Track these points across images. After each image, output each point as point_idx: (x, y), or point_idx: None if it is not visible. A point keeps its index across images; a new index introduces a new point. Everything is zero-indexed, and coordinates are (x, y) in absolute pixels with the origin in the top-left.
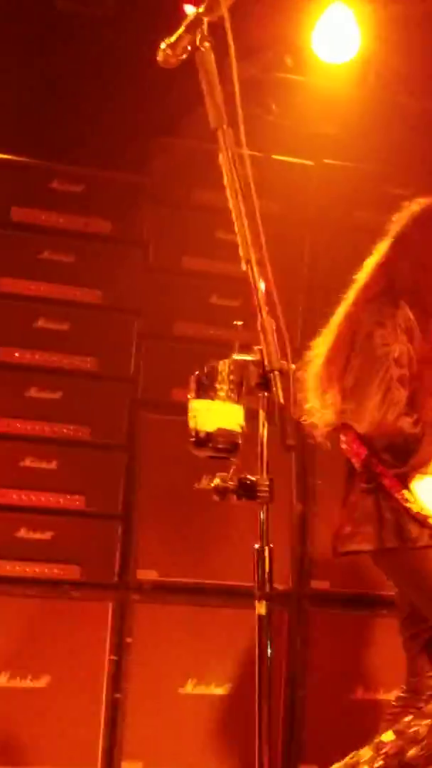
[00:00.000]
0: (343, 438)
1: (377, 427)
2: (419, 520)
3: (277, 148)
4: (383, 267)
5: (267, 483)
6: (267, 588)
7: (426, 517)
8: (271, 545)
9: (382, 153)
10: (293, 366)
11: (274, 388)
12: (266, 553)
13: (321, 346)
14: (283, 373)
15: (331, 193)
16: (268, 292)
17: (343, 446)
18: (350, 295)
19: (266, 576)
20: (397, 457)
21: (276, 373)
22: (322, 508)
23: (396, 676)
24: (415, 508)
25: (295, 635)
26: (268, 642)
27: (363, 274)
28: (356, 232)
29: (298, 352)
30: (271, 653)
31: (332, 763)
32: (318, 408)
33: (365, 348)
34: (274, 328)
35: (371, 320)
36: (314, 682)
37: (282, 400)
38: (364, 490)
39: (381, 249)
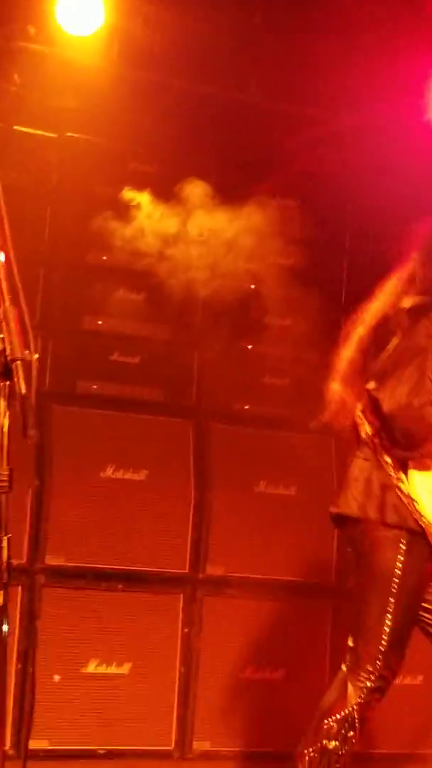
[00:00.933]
0: (359, 406)
1: (402, 409)
2: (405, 503)
3: (19, 120)
4: (403, 278)
5: (6, 473)
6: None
7: (413, 501)
8: (10, 535)
9: (126, 129)
10: (36, 355)
11: (15, 378)
12: (4, 543)
13: (353, 335)
14: (26, 363)
15: (73, 167)
16: (8, 272)
17: (357, 414)
18: (388, 288)
19: (3, 566)
20: (409, 441)
21: (18, 362)
22: (57, 484)
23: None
24: (404, 488)
25: (25, 611)
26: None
27: (400, 270)
28: (98, 206)
29: (36, 330)
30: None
31: None
32: (339, 390)
33: (409, 334)
34: (17, 316)
35: (413, 313)
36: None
37: (24, 390)
38: (363, 458)
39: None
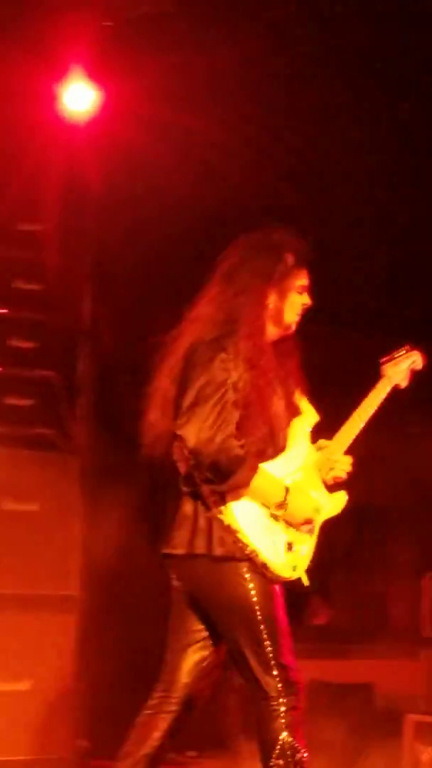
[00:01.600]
0: (176, 442)
1: (205, 445)
2: (231, 533)
3: None
4: (209, 303)
5: None
6: None
7: (236, 532)
8: None
9: None
10: None
11: None
12: None
13: (165, 364)
14: None
15: None
16: None
17: (175, 450)
18: (192, 317)
19: None
20: (217, 475)
21: None
22: None
23: None
24: (225, 521)
25: None
26: None
27: (202, 304)
28: None
29: None
30: None
31: None
32: (158, 420)
33: (208, 368)
34: None
35: (214, 345)
36: None
37: None
38: (185, 494)
39: (213, 283)
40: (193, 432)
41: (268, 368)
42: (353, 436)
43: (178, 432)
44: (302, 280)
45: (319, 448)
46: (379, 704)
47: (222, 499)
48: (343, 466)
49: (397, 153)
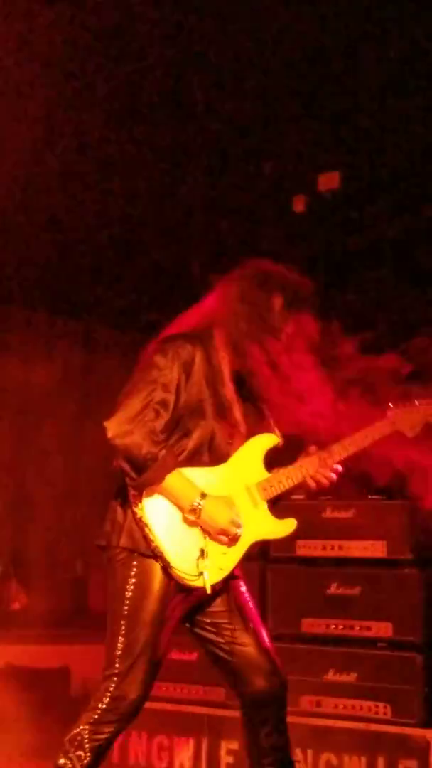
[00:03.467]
0: None
1: (120, 437)
2: (139, 527)
3: None
4: (196, 314)
5: None
6: None
7: (145, 525)
8: None
9: None
10: None
11: None
12: None
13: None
14: None
15: None
16: None
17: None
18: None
19: None
20: (132, 468)
21: None
22: None
23: None
24: (138, 513)
25: None
26: None
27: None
28: None
29: None
30: None
31: None
32: None
33: (143, 369)
34: None
35: (156, 350)
36: None
37: None
38: (114, 489)
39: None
40: (114, 423)
41: (219, 389)
42: (324, 466)
43: (104, 423)
44: (284, 327)
45: (274, 470)
46: (75, 689)
47: (140, 493)
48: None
49: None
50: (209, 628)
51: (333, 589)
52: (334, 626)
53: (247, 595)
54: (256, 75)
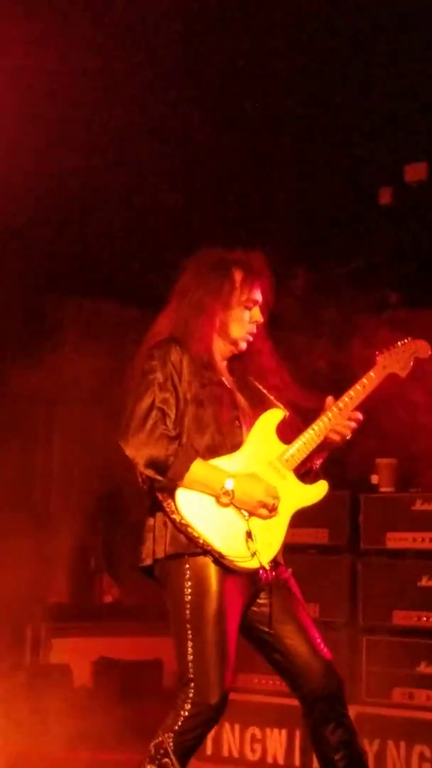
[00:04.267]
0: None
1: (138, 447)
2: (181, 530)
3: None
4: (165, 317)
5: None
6: None
7: (186, 526)
8: None
9: None
10: None
11: None
12: None
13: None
14: None
15: None
16: None
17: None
18: (150, 334)
19: None
20: (157, 471)
21: None
22: None
23: None
24: (177, 518)
25: None
26: None
27: (160, 320)
28: None
29: None
30: None
31: None
32: None
33: (136, 378)
34: None
35: (144, 356)
36: None
37: None
38: (147, 507)
39: (171, 299)
40: (128, 437)
41: (213, 379)
42: (333, 425)
43: (120, 444)
44: (252, 296)
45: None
46: (168, 681)
47: (171, 495)
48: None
49: None
50: (265, 629)
51: (424, 581)
52: (425, 618)
53: (297, 591)
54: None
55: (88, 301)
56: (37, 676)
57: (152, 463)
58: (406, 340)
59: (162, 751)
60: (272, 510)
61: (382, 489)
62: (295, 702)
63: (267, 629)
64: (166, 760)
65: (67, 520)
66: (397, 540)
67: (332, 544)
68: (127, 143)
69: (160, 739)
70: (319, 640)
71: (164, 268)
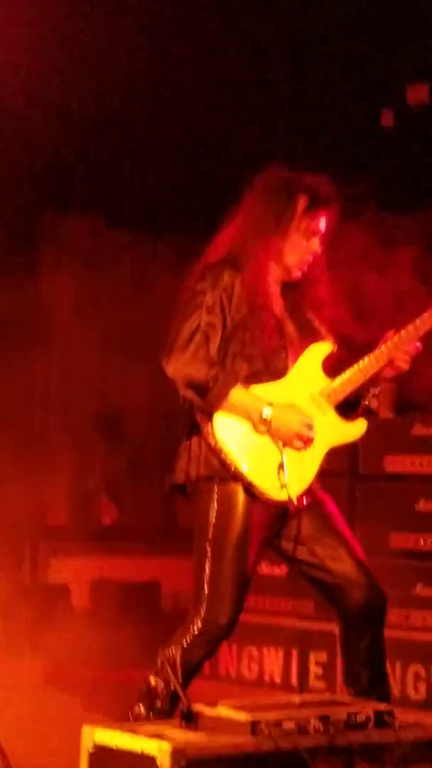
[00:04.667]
0: None
1: (179, 368)
2: (215, 454)
3: None
4: (226, 235)
5: None
6: None
7: (220, 451)
8: None
9: None
10: None
11: None
12: None
13: None
14: None
15: None
16: None
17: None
18: (208, 250)
19: None
20: (197, 393)
21: None
22: None
23: None
24: (212, 442)
25: None
26: None
27: (221, 237)
28: None
29: None
30: None
31: None
32: None
33: (186, 299)
34: None
35: (196, 276)
36: None
37: None
38: (185, 425)
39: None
40: (171, 357)
41: (262, 305)
42: (382, 364)
43: (162, 362)
44: (314, 224)
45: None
46: (166, 604)
47: (210, 418)
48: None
49: None
50: (302, 548)
51: (422, 504)
52: (422, 541)
53: (336, 511)
54: None
55: (86, 221)
56: (36, 596)
57: (192, 385)
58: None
59: (168, 665)
60: (307, 442)
61: (381, 413)
62: (293, 622)
63: (301, 548)
64: (171, 675)
65: (66, 442)
66: (396, 464)
67: (331, 468)
68: (130, 64)
69: (167, 653)
70: (360, 553)
71: (164, 191)
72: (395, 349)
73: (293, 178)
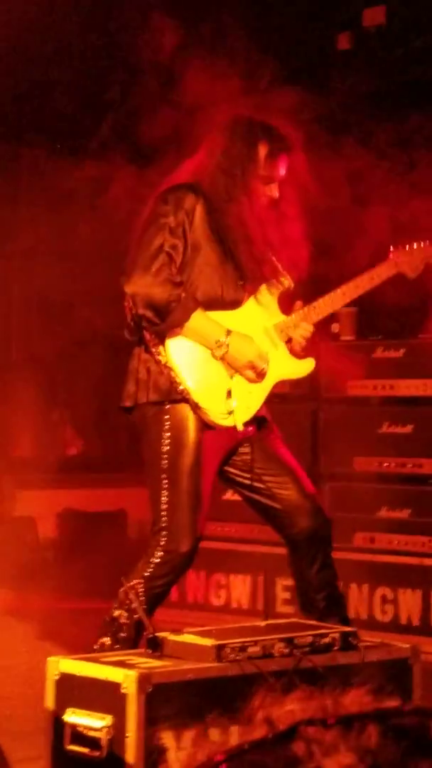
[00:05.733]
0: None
1: (141, 287)
2: (166, 374)
3: None
4: (189, 165)
5: None
6: None
7: (170, 369)
8: None
9: None
10: None
11: None
12: None
13: None
14: None
15: None
16: None
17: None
18: (167, 180)
19: None
20: (155, 314)
21: None
22: None
23: None
24: (162, 360)
25: None
26: None
27: (182, 169)
28: None
29: None
30: None
31: None
32: None
33: (149, 219)
34: None
35: (159, 199)
36: None
37: None
38: (134, 345)
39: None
40: (132, 275)
41: (224, 238)
42: (331, 310)
43: (122, 281)
44: (274, 171)
45: (294, 311)
46: (132, 532)
47: (161, 340)
48: (302, 331)
49: None
50: (248, 476)
51: (385, 428)
52: (386, 464)
53: (281, 440)
54: None
55: (43, 152)
56: (2, 528)
57: (152, 306)
58: (423, 244)
59: (131, 596)
60: (260, 375)
61: (343, 337)
62: (259, 548)
63: (249, 475)
64: (135, 605)
65: (29, 374)
66: (358, 387)
67: (294, 393)
68: None
69: (130, 584)
70: (306, 481)
71: (122, 122)
72: (341, 300)
73: (256, 124)
